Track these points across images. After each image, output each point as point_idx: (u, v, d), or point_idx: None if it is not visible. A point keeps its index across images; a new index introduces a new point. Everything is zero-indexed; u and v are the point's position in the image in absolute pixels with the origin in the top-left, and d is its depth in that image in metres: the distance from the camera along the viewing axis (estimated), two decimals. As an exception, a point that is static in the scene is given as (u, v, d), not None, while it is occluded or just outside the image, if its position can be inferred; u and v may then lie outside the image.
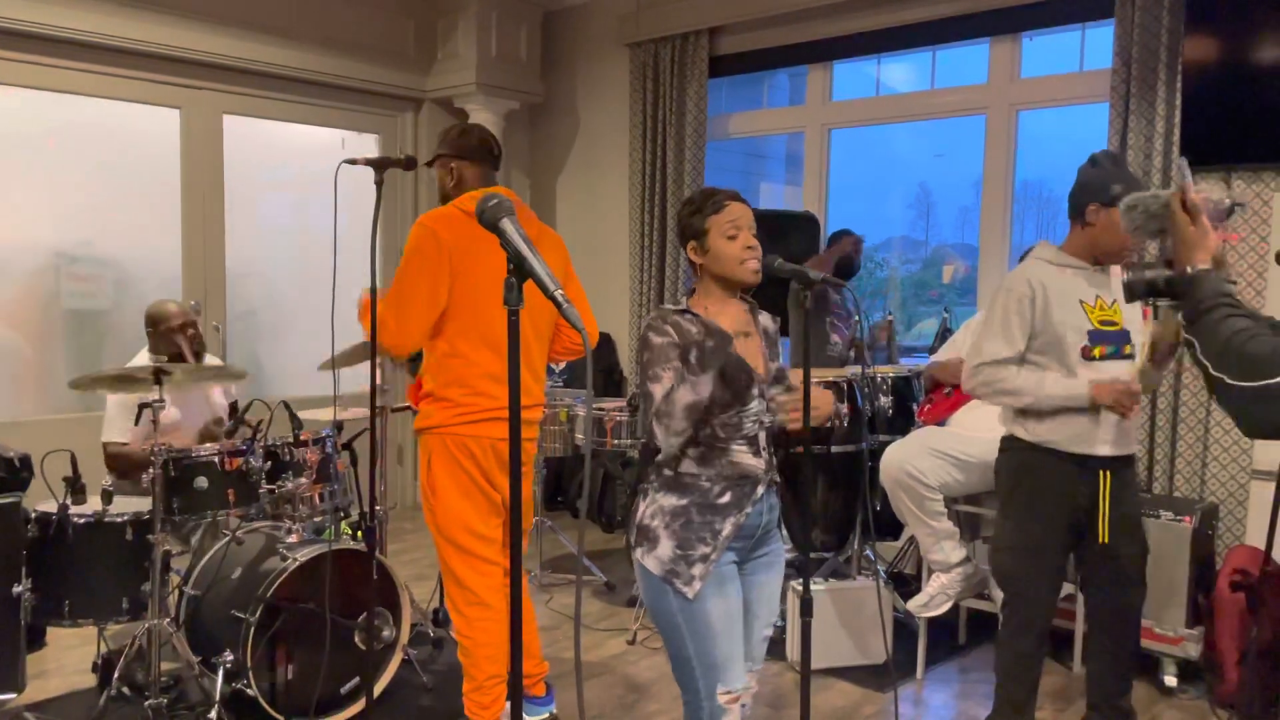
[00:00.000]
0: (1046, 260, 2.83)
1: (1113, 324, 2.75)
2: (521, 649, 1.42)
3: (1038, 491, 2.81)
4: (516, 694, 1.45)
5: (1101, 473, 2.76)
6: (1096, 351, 2.73)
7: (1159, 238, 2.10)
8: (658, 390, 2.06)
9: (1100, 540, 2.77)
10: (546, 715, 3.18)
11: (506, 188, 3.02)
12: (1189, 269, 1.70)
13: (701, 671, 2.16)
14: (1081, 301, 2.75)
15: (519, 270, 1.37)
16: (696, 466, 2.16)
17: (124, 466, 3.67)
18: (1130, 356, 2.75)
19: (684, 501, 2.15)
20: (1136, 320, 2.81)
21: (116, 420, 3.66)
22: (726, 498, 2.16)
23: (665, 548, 2.14)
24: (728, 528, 2.15)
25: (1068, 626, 3.70)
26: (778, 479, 2.27)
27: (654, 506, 2.18)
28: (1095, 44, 4.40)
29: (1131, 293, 1.91)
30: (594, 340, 2.82)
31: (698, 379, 2.02)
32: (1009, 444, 2.89)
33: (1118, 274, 2.81)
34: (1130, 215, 2.06)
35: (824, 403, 2.20)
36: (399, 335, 2.80)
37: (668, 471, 2.18)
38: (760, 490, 2.20)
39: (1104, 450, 2.75)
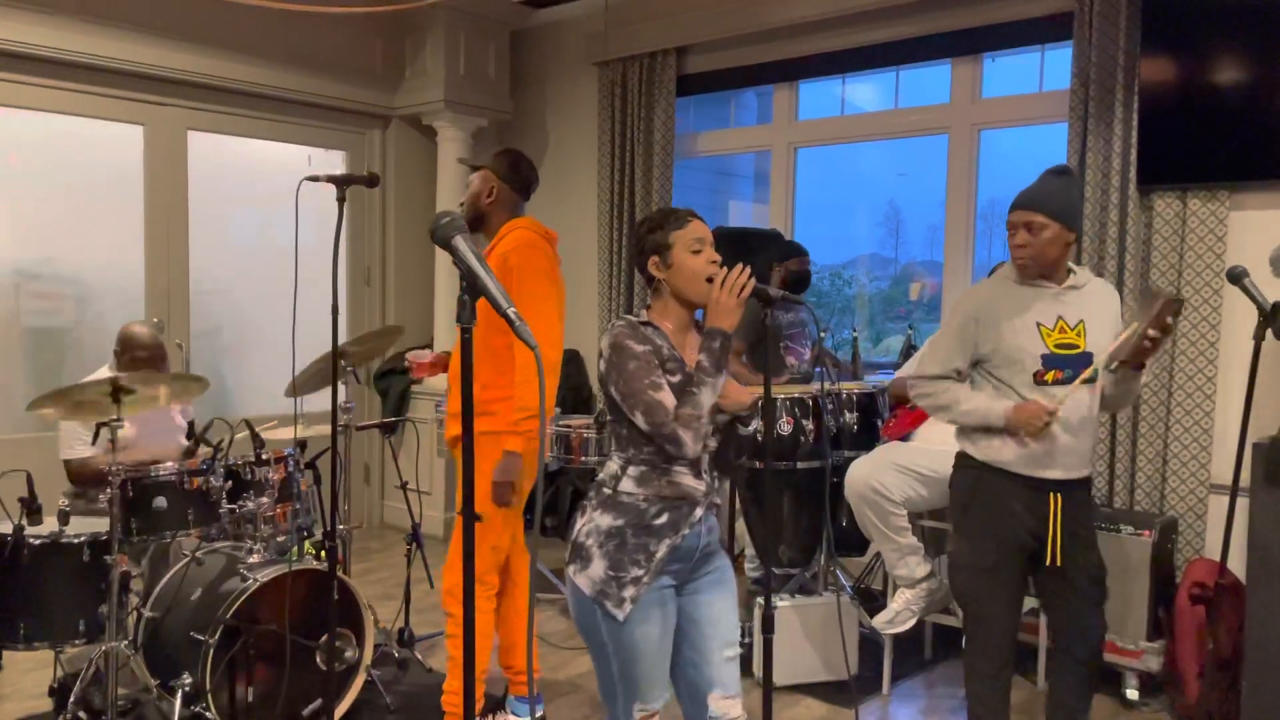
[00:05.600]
0: (1006, 277, 2.79)
1: (1072, 347, 2.67)
2: (475, 650, 1.41)
3: (990, 511, 2.76)
4: (469, 701, 1.44)
5: (1052, 495, 2.70)
6: (1049, 376, 2.66)
7: None
8: (665, 398, 2.08)
9: (1051, 563, 2.73)
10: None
11: (544, 227, 3.22)
12: None
13: (623, 690, 2.16)
14: (1039, 324, 2.68)
15: (471, 288, 1.37)
16: (635, 486, 2.14)
17: (89, 478, 3.62)
18: (1092, 380, 2.66)
19: (619, 522, 2.13)
20: (1102, 342, 2.69)
21: (72, 436, 3.61)
22: (663, 519, 2.14)
23: (597, 568, 2.12)
24: (662, 549, 2.13)
25: (1032, 641, 3.72)
26: (718, 501, 2.25)
27: (590, 525, 2.16)
28: (1054, 65, 4.48)
29: None
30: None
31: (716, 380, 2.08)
32: (962, 461, 2.85)
33: (1098, 293, 2.76)
34: None
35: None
36: (555, 354, 3.06)
37: (606, 490, 2.17)
38: (699, 512, 2.17)
39: (1054, 473, 2.69)
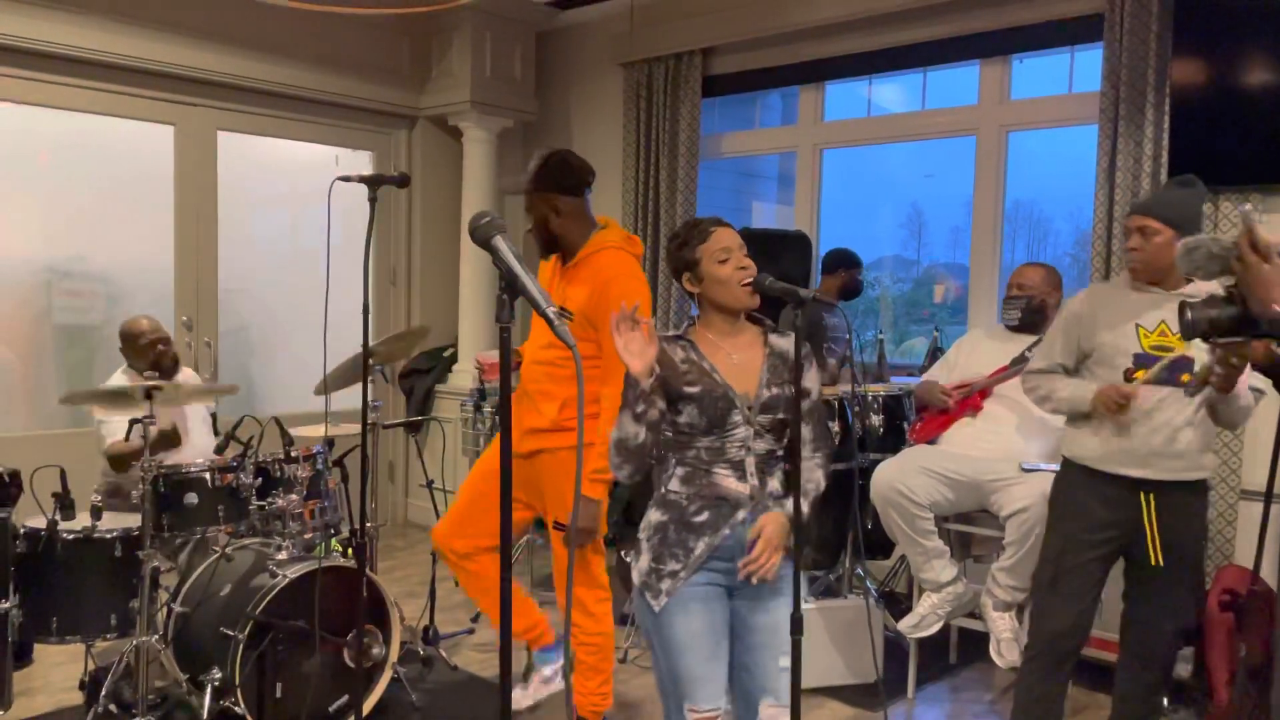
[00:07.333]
0: (1121, 283, 2.84)
1: (1169, 349, 2.67)
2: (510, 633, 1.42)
3: (1064, 505, 2.83)
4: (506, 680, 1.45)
5: (1143, 495, 2.70)
6: (1139, 375, 2.66)
7: (1218, 277, 2.12)
8: (622, 423, 2.16)
9: (1152, 562, 2.72)
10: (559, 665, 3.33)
11: (630, 237, 3.17)
12: (1277, 306, 1.73)
13: (671, 685, 2.21)
14: (1138, 325, 2.70)
15: (511, 288, 1.38)
16: (680, 485, 2.22)
17: (127, 463, 3.66)
18: (1185, 385, 2.64)
19: (665, 518, 2.22)
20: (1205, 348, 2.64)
21: (117, 425, 3.65)
22: (703, 517, 2.19)
23: (644, 560, 2.23)
24: (700, 547, 2.18)
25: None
26: (770, 505, 2.21)
27: (646, 520, 2.27)
28: (1084, 67, 4.44)
29: (1193, 330, 1.92)
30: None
31: (623, 413, 2.11)
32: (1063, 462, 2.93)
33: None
34: (1191, 256, 2.09)
35: (773, 533, 2.16)
36: None
37: (661, 489, 2.26)
38: (741, 514, 2.18)
39: (1141, 473, 2.69)
